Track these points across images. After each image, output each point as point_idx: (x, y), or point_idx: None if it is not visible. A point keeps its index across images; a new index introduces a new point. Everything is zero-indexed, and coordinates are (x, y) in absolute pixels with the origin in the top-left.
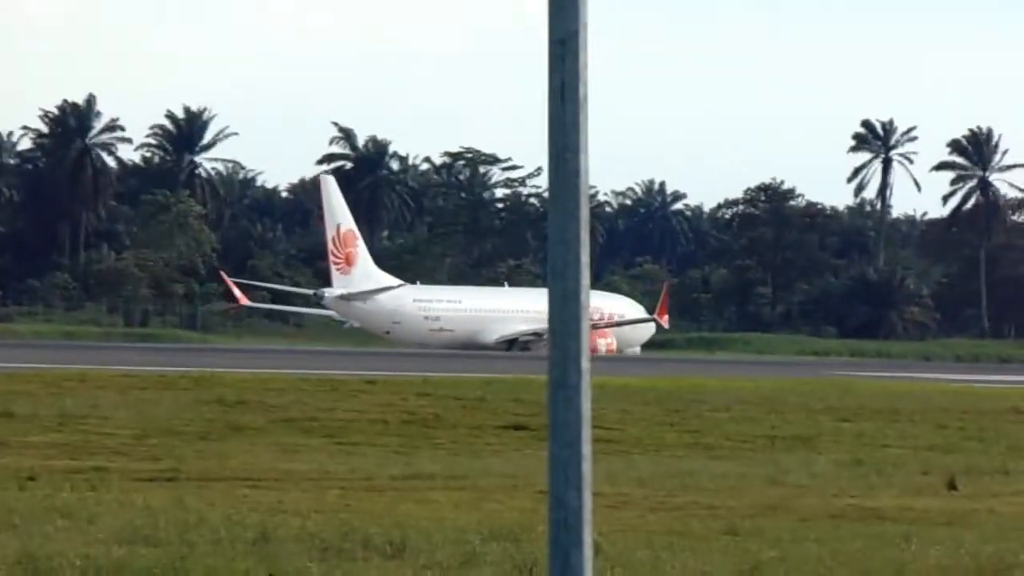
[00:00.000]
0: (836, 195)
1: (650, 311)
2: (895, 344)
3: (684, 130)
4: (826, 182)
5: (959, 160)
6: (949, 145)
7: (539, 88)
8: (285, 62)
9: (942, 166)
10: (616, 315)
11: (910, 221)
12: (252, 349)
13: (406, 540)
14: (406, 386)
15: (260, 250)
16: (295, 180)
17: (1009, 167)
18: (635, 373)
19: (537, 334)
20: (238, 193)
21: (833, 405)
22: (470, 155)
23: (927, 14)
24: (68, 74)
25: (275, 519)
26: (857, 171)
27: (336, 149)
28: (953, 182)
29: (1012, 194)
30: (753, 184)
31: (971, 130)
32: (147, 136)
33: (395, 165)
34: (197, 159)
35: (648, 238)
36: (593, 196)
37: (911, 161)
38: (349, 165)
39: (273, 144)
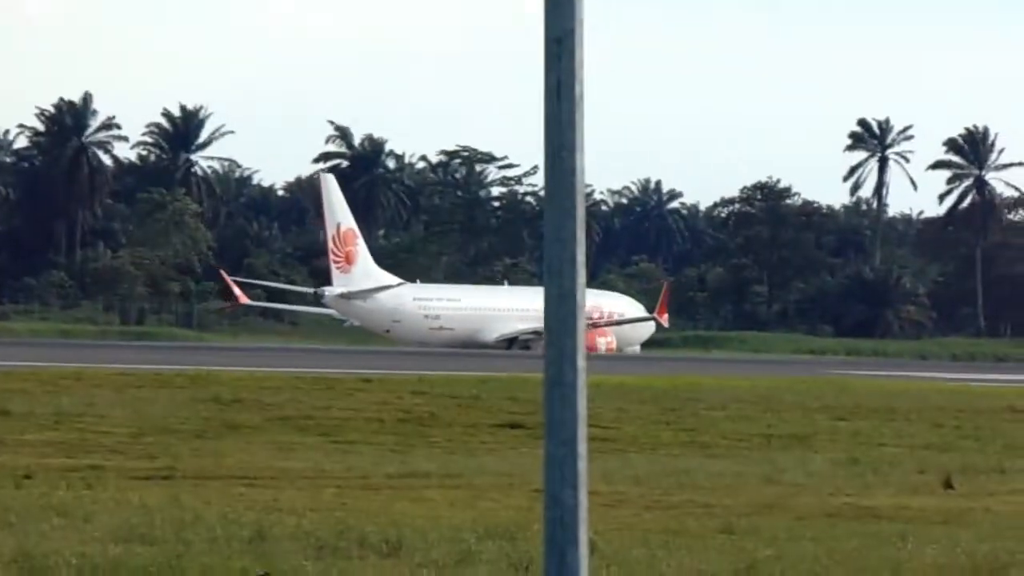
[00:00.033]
0: (832, 194)
1: (648, 310)
2: (891, 343)
3: (680, 129)
4: (822, 181)
5: (955, 159)
6: (945, 144)
7: (535, 87)
8: (280, 60)
9: (938, 165)
10: (616, 314)
11: (906, 220)
12: (248, 347)
13: (402, 538)
14: (402, 384)
15: (256, 248)
16: (291, 178)
17: (1005, 166)
18: (631, 371)
19: (537, 333)
20: (234, 191)
21: (829, 404)
22: (466, 153)
23: (923, 14)
24: (65, 72)
25: (271, 517)
26: (853, 170)
27: (332, 147)
28: (949, 181)
29: (1008, 193)
30: (749, 183)
31: (967, 129)
32: (143, 134)
33: (391, 163)
34: (193, 157)
35: (644, 237)
36: (589, 194)
37: (907, 160)
38: (345, 163)
39: (269, 143)
